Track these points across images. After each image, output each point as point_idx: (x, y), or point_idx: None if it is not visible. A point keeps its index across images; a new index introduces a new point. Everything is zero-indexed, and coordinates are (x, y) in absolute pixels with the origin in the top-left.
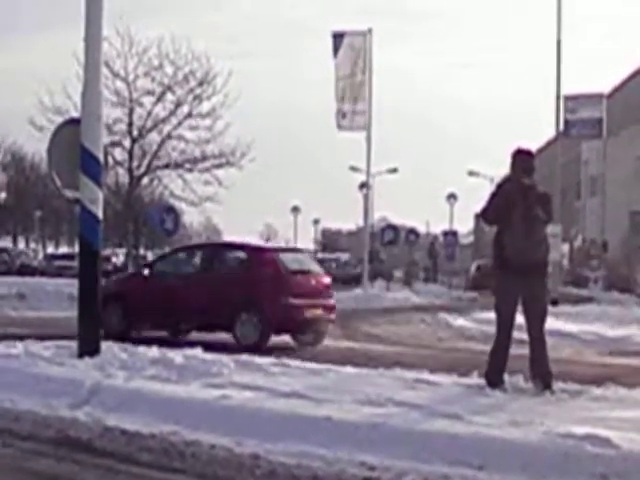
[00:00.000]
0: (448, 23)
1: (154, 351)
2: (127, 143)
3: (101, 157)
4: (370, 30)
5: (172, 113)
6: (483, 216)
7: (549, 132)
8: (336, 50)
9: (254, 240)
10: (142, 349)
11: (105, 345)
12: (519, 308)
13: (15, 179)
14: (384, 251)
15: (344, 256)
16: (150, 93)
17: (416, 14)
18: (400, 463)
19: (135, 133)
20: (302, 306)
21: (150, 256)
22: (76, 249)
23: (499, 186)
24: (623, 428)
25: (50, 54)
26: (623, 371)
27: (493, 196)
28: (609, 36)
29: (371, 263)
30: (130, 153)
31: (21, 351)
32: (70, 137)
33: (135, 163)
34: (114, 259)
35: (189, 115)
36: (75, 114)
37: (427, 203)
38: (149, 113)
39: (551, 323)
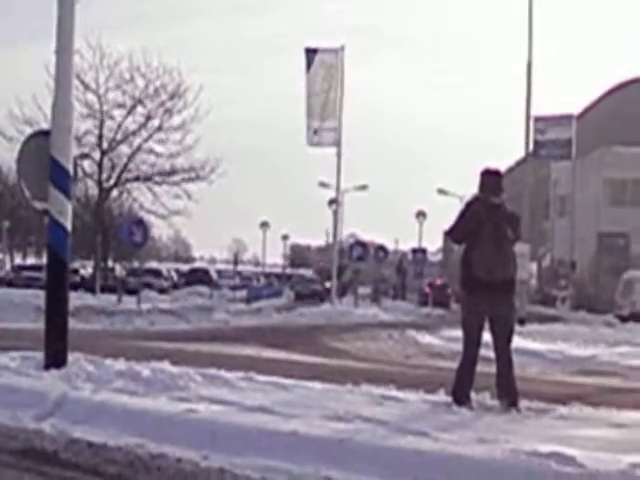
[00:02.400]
0: (420, 45)
1: (121, 363)
2: (97, 155)
3: (71, 169)
4: (342, 47)
5: (142, 126)
6: (451, 234)
7: (519, 152)
8: (308, 66)
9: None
10: (109, 361)
11: (72, 357)
12: (486, 326)
13: None
14: (351, 268)
15: (308, 272)
16: (121, 106)
17: (389, 35)
18: (366, 479)
19: (105, 145)
20: None
21: (118, 269)
22: (44, 260)
23: (468, 205)
24: (588, 447)
25: (21, 65)
26: (589, 390)
27: (461, 215)
28: (580, 58)
29: (338, 279)
30: (100, 165)
31: None
32: (40, 148)
33: (104, 175)
34: (82, 271)
35: (159, 128)
36: (45, 125)
37: (396, 220)
38: (119, 126)
39: (518, 342)
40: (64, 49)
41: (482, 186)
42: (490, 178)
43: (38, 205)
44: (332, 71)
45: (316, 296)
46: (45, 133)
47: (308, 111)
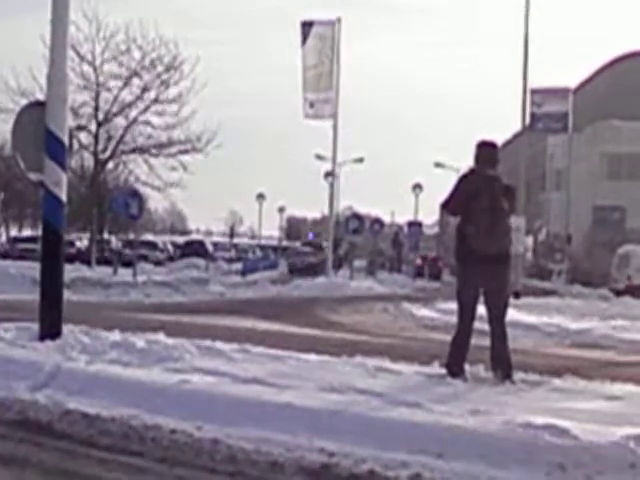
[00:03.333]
0: (417, 16)
1: (116, 335)
2: (93, 127)
3: (66, 140)
4: (339, 19)
5: (139, 98)
6: (445, 206)
7: (516, 125)
8: (304, 39)
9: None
10: (104, 333)
11: (67, 328)
12: (481, 299)
13: None
14: (347, 240)
15: (306, 247)
16: (117, 77)
17: (386, 6)
18: (360, 450)
19: (101, 117)
20: None
21: (114, 241)
22: (40, 232)
23: (463, 177)
24: (582, 419)
25: (16, 36)
26: (583, 363)
27: (457, 187)
28: (578, 31)
29: (334, 251)
30: (96, 137)
31: None
32: (35, 119)
33: (100, 147)
34: (78, 243)
35: (156, 100)
36: (41, 96)
37: (393, 193)
38: (115, 97)
39: (513, 315)
40: (59, 19)
41: (478, 158)
42: (486, 150)
43: (33, 176)
44: (328, 43)
45: (311, 269)
46: (40, 104)
47: (304, 84)
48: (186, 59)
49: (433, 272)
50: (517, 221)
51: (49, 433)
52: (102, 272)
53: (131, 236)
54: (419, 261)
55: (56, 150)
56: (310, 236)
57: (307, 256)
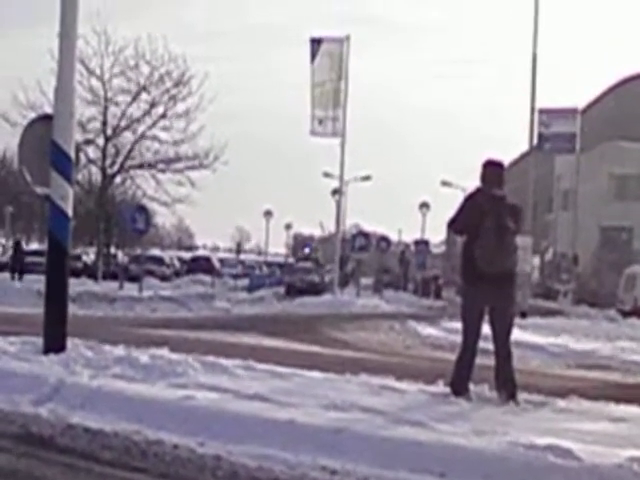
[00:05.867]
0: (425, 34)
1: (120, 350)
2: (101, 141)
3: (72, 154)
4: (348, 37)
5: (147, 113)
6: (452, 225)
7: (523, 145)
8: (313, 56)
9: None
10: (108, 347)
11: (71, 342)
12: (486, 318)
13: None
14: (354, 258)
15: (307, 263)
16: (125, 92)
17: (394, 24)
18: (362, 468)
19: (109, 132)
20: None
21: (121, 256)
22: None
23: (469, 196)
24: (586, 440)
25: (25, 49)
26: (588, 384)
27: (463, 206)
28: (586, 52)
29: (340, 269)
30: (103, 152)
31: None
32: (42, 133)
33: (108, 162)
34: (85, 257)
35: (164, 116)
36: (49, 110)
37: (400, 212)
38: (124, 112)
39: (519, 335)
40: (67, 33)
41: (484, 177)
42: (492, 169)
43: (39, 190)
44: (337, 61)
45: (312, 290)
46: (47, 118)
47: (313, 101)
48: (194, 75)
49: (434, 290)
50: (524, 241)
51: (51, 447)
52: (108, 286)
53: (138, 251)
54: (419, 278)
55: (63, 164)
56: (306, 249)
57: (307, 274)
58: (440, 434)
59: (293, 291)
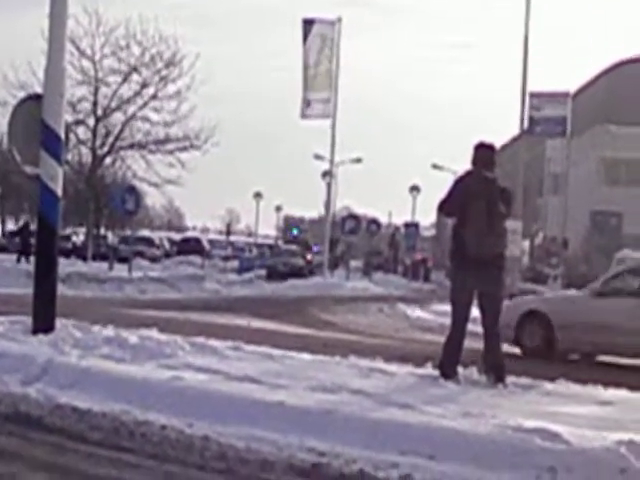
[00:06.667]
0: (417, 17)
1: (109, 330)
2: (91, 122)
3: (62, 134)
4: (339, 19)
5: (137, 94)
6: (441, 207)
7: (514, 129)
8: (305, 37)
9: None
10: (97, 328)
11: (60, 323)
12: (475, 301)
13: None
14: (343, 240)
15: (292, 246)
16: (116, 73)
17: (384, 7)
18: (351, 450)
19: (99, 112)
20: None
21: (110, 236)
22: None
23: (460, 179)
24: (573, 423)
25: (15, 29)
26: (576, 367)
27: (453, 188)
28: (578, 36)
29: (330, 252)
30: (94, 132)
31: None
32: (31, 113)
33: (98, 142)
34: (74, 238)
35: (154, 96)
36: (40, 90)
37: (390, 194)
38: (114, 93)
39: None
40: (58, 13)
41: (475, 160)
42: (484, 152)
43: (29, 170)
44: (328, 43)
45: (295, 274)
46: (37, 97)
47: (304, 83)
48: (186, 55)
49: (424, 273)
50: (514, 224)
51: (40, 427)
52: (98, 267)
53: (127, 232)
54: (408, 262)
55: (52, 144)
56: (294, 232)
57: (292, 257)
58: (429, 416)
59: (275, 275)
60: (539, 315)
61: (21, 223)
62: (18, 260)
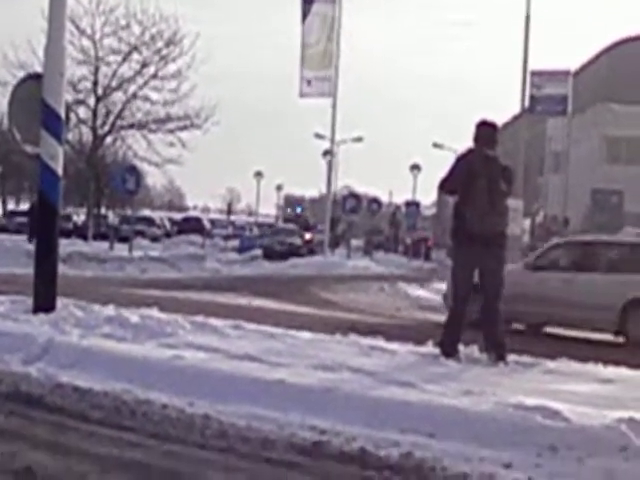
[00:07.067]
0: None
1: (110, 310)
2: (92, 102)
3: (63, 113)
4: None
5: (138, 73)
6: (443, 185)
7: (515, 107)
8: (304, 15)
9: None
10: (98, 307)
11: (61, 302)
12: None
13: None
14: (344, 219)
15: (289, 225)
16: (116, 52)
17: None
18: (351, 428)
19: (100, 92)
20: None
21: (111, 216)
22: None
23: (461, 156)
24: (574, 401)
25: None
26: (578, 345)
27: (454, 166)
28: (579, 14)
29: (331, 230)
30: (94, 112)
31: None
32: (32, 92)
33: (99, 122)
34: (75, 218)
35: (155, 76)
36: (40, 70)
37: (391, 173)
38: (115, 72)
39: None
40: None
41: (477, 137)
42: (486, 129)
43: (29, 149)
44: (328, 21)
45: (292, 254)
46: (37, 76)
47: (303, 61)
48: (186, 35)
49: (424, 252)
50: (515, 203)
51: (40, 406)
52: (98, 247)
53: (128, 211)
54: (409, 241)
55: (53, 123)
56: (297, 210)
57: (289, 236)
58: (429, 394)
59: (272, 254)
60: None
61: (31, 203)
62: (30, 240)
